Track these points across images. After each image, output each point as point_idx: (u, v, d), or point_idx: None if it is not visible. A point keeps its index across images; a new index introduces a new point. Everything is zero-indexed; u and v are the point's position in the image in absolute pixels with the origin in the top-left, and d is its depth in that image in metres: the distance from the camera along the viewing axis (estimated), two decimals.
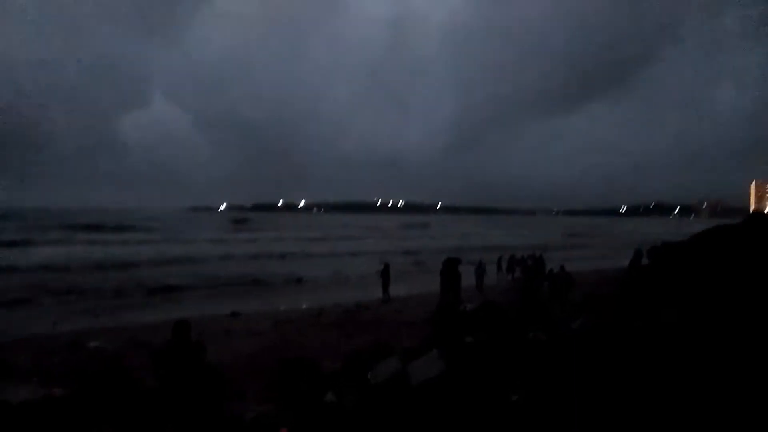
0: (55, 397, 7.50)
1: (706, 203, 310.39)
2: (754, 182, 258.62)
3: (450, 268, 14.52)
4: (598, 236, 76.35)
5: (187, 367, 5.17)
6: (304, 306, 17.94)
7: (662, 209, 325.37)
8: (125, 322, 14.39)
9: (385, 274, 18.65)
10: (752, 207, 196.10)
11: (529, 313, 9.06)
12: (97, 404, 6.87)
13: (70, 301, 17.97)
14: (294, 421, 4.70)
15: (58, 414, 6.57)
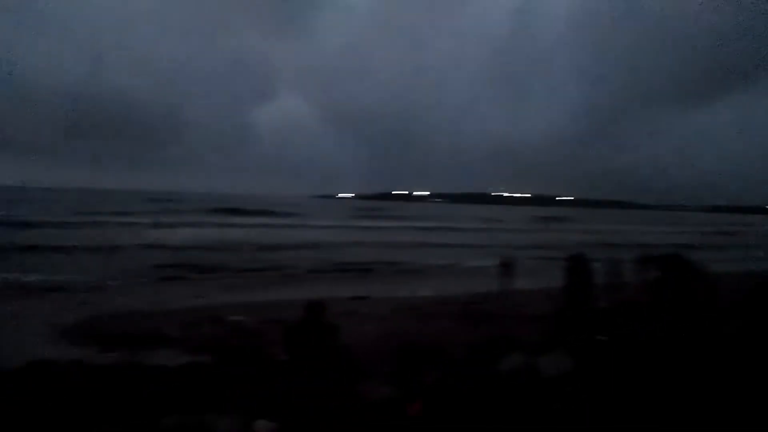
0: (203, 364, 8.28)
1: None
2: None
3: (576, 264, 13.86)
4: (746, 234, 68.63)
5: (319, 346, 5.47)
6: (423, 294, 18.15)
7: None
8: (261, 299, 15.42)
9: (506, 267, 18.29)
10: None
11: (670, 315, 8.46)
12: (236, 373, 7.48)
13: (214, 278, 19.60)
14: (420, 406, 4.82)
15: (204, 380, 7.23)
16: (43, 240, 28.83)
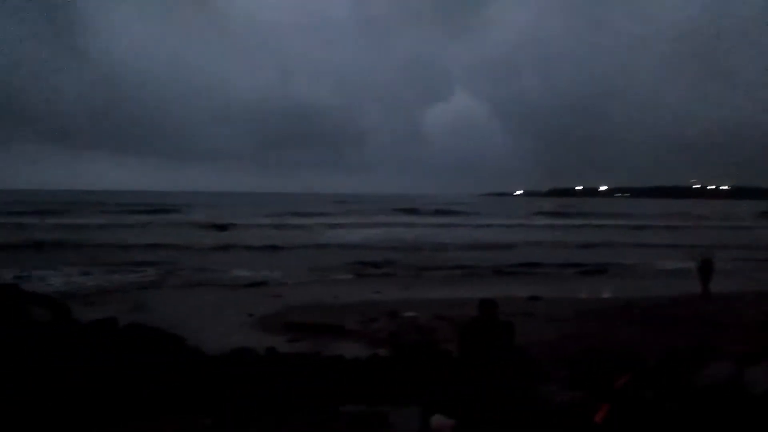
0: (380, 357, 8.55)
1: None
2: None
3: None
4: None
5: (494, 344, 5.30)
6: (607, 296, 16.90)
7: None
8: (434, 296, 15.58)
9: (705, 268, 16.27)
10: None
11: None
12: (411, 367, 7.59)
13: (389, 275, 20.29)
14: (607, 413, 4.41)
15: (381, 372, 7.44)
16: (240, 240, 32.42)
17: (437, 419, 4.80)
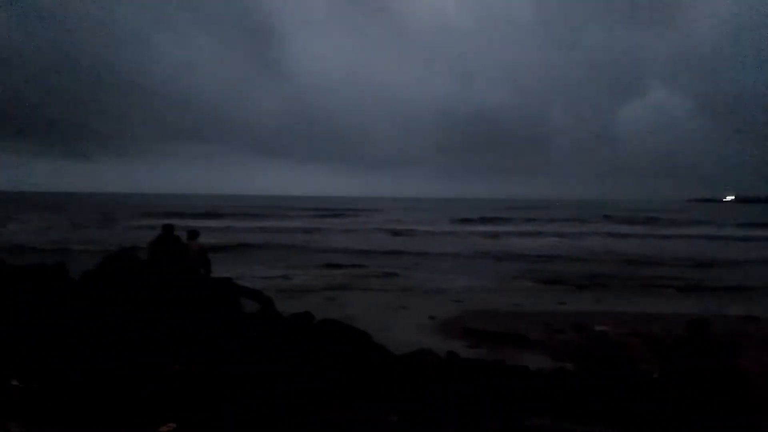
0: (567, 371, 8.12)
1: None
2: None
3: None
4: None
5: (702, 367, 4.70)
6: None
7: None
8: (628, 310, 14.38)
9: None
10: None
11: None
12: (601, 384, 7.07)
13: (576, 286, 19.12)
14: None
15: (568, 386, 7.05)
16: (420, 245, 33.23)
17: None
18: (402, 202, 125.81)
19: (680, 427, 4.63)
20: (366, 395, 5.51)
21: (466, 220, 57.57)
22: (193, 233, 10.58)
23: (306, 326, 9.69)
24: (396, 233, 42.42)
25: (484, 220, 57.53)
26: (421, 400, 5.64)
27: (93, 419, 4.40)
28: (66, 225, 43.98)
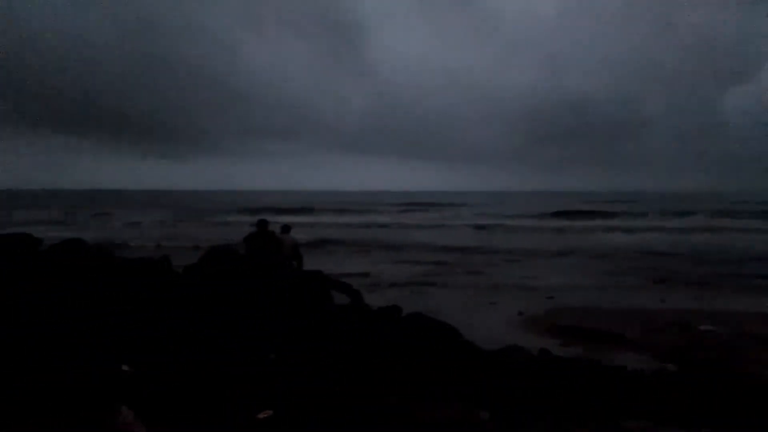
0: (668, 372, 7.71)
1: None
2: None
3: None
4: None
5: None
6: None
7: None
8: (738, 309, 13.37)
9: None
10: None
11: None
12: (706, 388, 6.66)
13: (679, 283, 17.98)
14: None
15: (669, 389, 6.69)
16: (511, 241, 32.57)
17: None
18: (491, 196, 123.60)
19: None
20: (456, 392, 5.50)
21: (558, 214, 55.36)
22: (286, 228, 10.96)
23: (393, 319, 9.81)
24: (482, 227, 41.88)
25: (576, 214, 55.00)
26: (512, 398, 5.56)
27: (197, 404, 4.69)
28: (167, 221, 47.03)
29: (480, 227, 41.96)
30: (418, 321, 9.44)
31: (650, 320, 12.08)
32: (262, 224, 10.69)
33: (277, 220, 14.60)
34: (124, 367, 5.38)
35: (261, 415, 4.60)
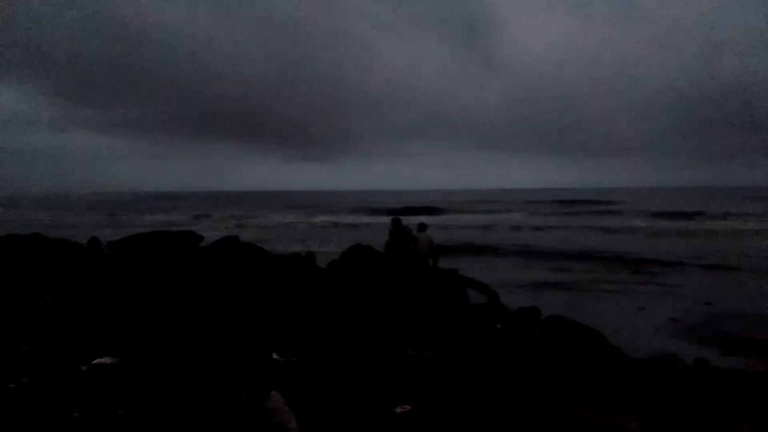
0: None
1: None
2: None
3: None
4: None
5: None
6: None
7: None
8: None
9: None
10: None
11: None
12: None
13: None
14: None
15: None
16: (656, 241, 30.00)
17: None
18: (641, 192, 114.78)
19: None
20: (602, 399, 5.22)
21: (718, 214, 48.88)
22: (423, 225, 11.11)
23: (531, 322, 9.51)
24: (632, 228, 38.91)
25: (728, 215, 47.64)
26: (664, 409, 5.15)
27: (340, 395, 4.92)
28: (309, 219, 49.90)
29: (628, 228, 38.94)
30: (559, 324, 9.05)
31: None
32: (396, 222, 10.92)
33: (411, 220, 14.80)
34: (275, 356, 5.80)
35: (398, 409, 4.72)
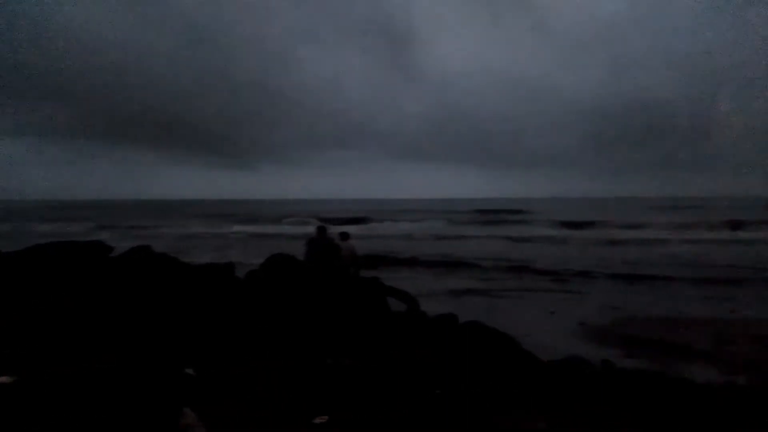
0: (739, 386, 7.34)
1: None
2: None
3: None
4: None
5: None
6: None
7: None
8: None
9: None
10: None
11: None
12: None
13: (747, 294, 17.00)
14: None
15: (739, 403, 6.37)
16: (568, 249, 31.49)
17: None
18: (552, 203, 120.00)
19: None
20: (513, 401, 5.43)
21: (623, 223, 52.09)
22: (345, 235, 11.11)
23: (449, 327, 9.75)
24: (545, 237, 40.67)
25: (630, 226, 50.83)
26: (572, 410, 5.44)
27: (255, 407, 4.84)
28: (230, 228, 48.57)
29: (544, 237, 40.58)
30: (475, 329, 9.35)
31: (719, 331, 11.53)
32: (321, 230, 10.88)
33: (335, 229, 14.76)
34: (188, 371, 5.61)
35: (317, 420, 4.70)
